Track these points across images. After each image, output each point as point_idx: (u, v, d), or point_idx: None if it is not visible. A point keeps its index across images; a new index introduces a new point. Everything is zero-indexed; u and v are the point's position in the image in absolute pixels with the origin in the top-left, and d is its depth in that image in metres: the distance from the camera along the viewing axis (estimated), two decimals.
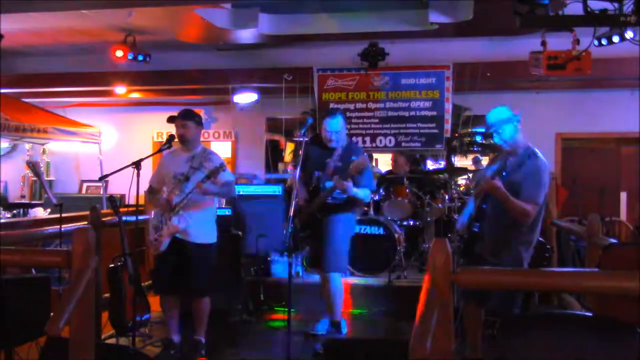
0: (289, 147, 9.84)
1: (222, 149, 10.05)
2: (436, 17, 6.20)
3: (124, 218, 4.45)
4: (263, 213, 5.94)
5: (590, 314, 3.22)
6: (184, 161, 4.24)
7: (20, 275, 4.06)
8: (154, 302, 4.72)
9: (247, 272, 5.90)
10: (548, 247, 5.32)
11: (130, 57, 7.30)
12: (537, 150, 3.72)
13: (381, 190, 6.67)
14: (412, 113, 7.68)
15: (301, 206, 4.57)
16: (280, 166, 9.70)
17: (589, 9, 3.82)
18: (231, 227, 5.49)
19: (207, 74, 8.43)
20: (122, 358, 2.75)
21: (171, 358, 4.22)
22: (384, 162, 8.89)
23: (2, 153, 9.96)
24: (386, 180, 6.95)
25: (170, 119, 4.31)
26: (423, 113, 7.66)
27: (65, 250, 2.46)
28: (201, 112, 9.97)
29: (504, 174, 3.58)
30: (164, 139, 5.17)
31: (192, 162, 4.20)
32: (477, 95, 8.13)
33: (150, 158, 5.09)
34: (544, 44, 5.02)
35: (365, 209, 6.57)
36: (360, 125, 7.77)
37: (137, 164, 4.02)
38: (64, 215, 4.69)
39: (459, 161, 9.12)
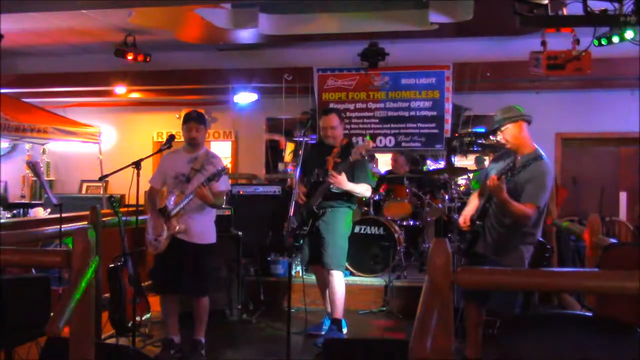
0: (289, 147, 9.84)
1: (222, 149, 10.06)
2: (436, 17, 6.19)
3: (123, 218, 4.46)
4: (263, 213, 5.94)
5: (590, 314, 3.22)
6: (186, 162, 4.25)
7: (20, 275, 4.06)
8: (154, 302, 4.72)
9: (247, 272, 5.90)
10: (548, 247, 5.32)
11: (130, 58, 7.31)
12: (542, 152, 3.72)
13: (381, 190, 6.67)
14: (412, 113, 7.68)
15: (300, 204, 4.59)
16: (280, 166, 9.70)
17: (589, 9, 3.82)
18: (231, 227, 5.49)
19: (207, 74, 8.43)
20: (122, 358, 2.75)
21: (171, 358, 4.22)
22: (384, 162, 8.89)
23: (2, 153, 9.96)
24: (386, 180, 6.95)
25: (186, 119, 4.30)
26: (423, 113, 7.66)
27: (65, 250, 2.46)
28: (202, 112, 10.03)
29: (509, 176, 3.57)
30: (164, 139, 5.18)
31: (194, 164, 4.21)
32: (477, 95, 8.12)
33: (150, 158, 5.09)
34: (544, 44, 5.03)
35: (365, 208, 6.57)
36: (360, 125, 7.77)
37: (137, 164, 4.02)
38: (64, 215, 4.69)
39: (459, 161, 9.12)
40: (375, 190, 6.72)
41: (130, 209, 4.37)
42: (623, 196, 8.91)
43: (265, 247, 6.00)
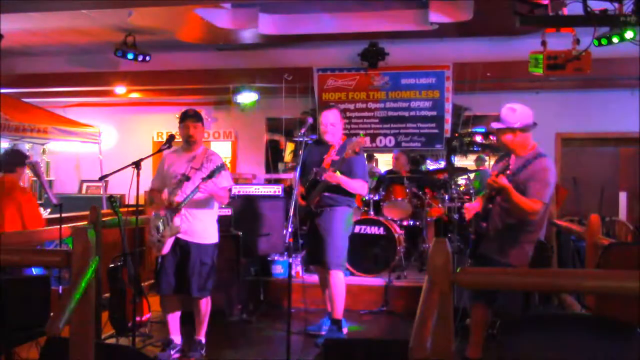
0: (289, 147, 9.85)
1: (222, 149, 10.06)
2: (436, 17, 6.20)
3: (123, 218, 4.45)
4: (263, 213, 5.94)
5: (590, 314, 3.22)
6: (185, 161, 4.24)
7: (20, 275, 4.06)
8: (154, 302, 4.72)
9: (247, 272, 5.90)
10: (548, 247, 5.32)
11: (130, 57, 7.31)
12: (543, 152, 3.73)
13: (381, 190, 6.66)
14: (412, 113, 7.68)
15: (300, 203, 4.58)
16: (280, 166, 9.71)
17: (589, 9, 3.82)
18: (231, 227, 5.49)
19: (207, 74, 8.43)
20: (122, 358, 2.75)
21: (171, 358, 4.22)
22: (384, 162, 8.89)
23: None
24: (386, 180, 6.95)
25: (183, 117, 4.29)
26: (423, 113, 7.66)
27: (65, 250, 2.46)
28: (201, 112, 10.03)
29: (508, 172, 3.59)
30: (164, 139, 5.18)
31: (193, 163, 4.20)
32: (477, 95, 8.13)
33: (150, 158, 5.09)
34: (544, 44, 5.02)
35: (365, 209, 6.57)
36: (360, 125, 7.77)
37: (137, 164, 4.02)
38: (64, 215, 4.69)
39: (459, 161, 9.12)
40: (375, 190, 6.73)
41: (130, 209, 4.37)
42: (623, 196, 8.91)
43: (265, 247, 6.00)
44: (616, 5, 3.78)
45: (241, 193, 6.29)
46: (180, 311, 4.38)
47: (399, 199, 6.53)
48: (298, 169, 4.43)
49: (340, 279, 4.68)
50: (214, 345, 4.47)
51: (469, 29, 6.61)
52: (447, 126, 7.62)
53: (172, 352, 4.25)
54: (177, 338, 4.33)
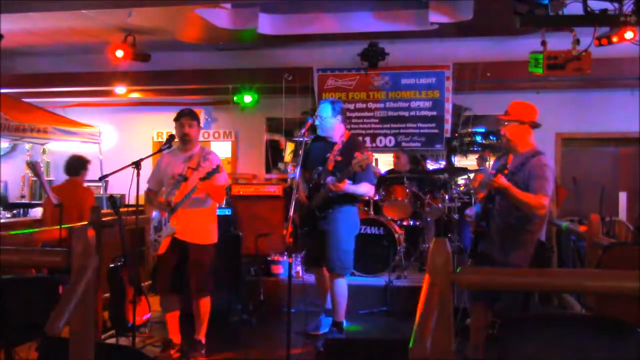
0: (289, 147, 9.84)
1: (222, 149, 10.05)
2: (436, 17, 6.21)
3: (123, 218, 4.45)
4: (263, 213, 5.94)
5: (590, 314, 3.22)
6: (182, 161, 4.23)
7: (20, 275, 4.06)
8: (154, 302, 4.72)
9: (247, 272, 5.90)
10: (548, 247, 5.32)
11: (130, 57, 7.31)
12: (541, 149, 3.72)
13: (381, 190, 6.66)
14: (412, 113, 7.68)
15: (302, 203, 4.55)
16: (281, 166, 9.70)
17: (589, 9, 3.82)
18: (231, 227, 5.49)
19: (207, 74, 8.43)
20: (122, 358, 2.74)
21: (171, 358, 4.22)
22: (384, 162, 8.89)
23: (2, 153, 9.95)
24: (386, 180, 6.95)
25: (178, 116, 4.28)
26: (423, 113, 7.66)
27: (65, 250, 2.46)
28: (201, 112, 10.04)
29: (508, 170, 3.58)
30: (164, 139, 5.18)
31: (190, 162, 4.19)
32: (477, 95, 8.12)
33: (150, 158, 5.09)
34: (544, 44, 5.02)
35: (365, 209, 6.57)
36: (360, 125, 7.77)
37: (137, 164, 4.02)
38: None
39: (459, 161, 9.12)
40: (375, 190, 6.73)
41: (130, 209, 4.37)
42: (623, 196, 8.91)
43: (265, 247, 6.00)
44: (616, 5, 3.78)
45: (241, 193, 6.29)
46: (180, 311, 4.38)
47: (399, 199, 6.53)
48: (298, 169, 4.41)
49: (344, 283, 4.66)
50: (214, 345, 4.47)
51: (469, 29, 6.62)
52: (447, 126, 7.63)
53: (172, 352, 4.25)
54: (177, 338, 4.33)
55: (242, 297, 5.46)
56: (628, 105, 8.29)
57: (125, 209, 4.46)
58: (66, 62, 8.60)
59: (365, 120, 7.78)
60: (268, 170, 9.60)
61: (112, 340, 4.49)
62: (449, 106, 7.59)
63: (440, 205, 6.64)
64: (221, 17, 6.48)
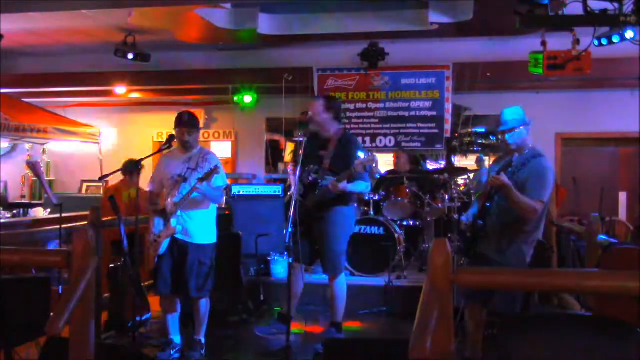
0: (289, 147, 9.84)
1: (222, 149, 10.05)
2: (436, 17, 6.21)
3: (123, 218, 4.45)
4: (263, 213, 5.94)
5: (590, 314, 3.22)
6: (181, 162, 4.25)
7: (20, 275, 4.06)
8: (154, 302, 4.72)
9: (247, 272, 5.90)
10: (548, 247, 5.32)
11: (130, 57, 7.32)
12: (541, 151, 3.72)
13: (381, 190, 6.66)
14: (412, 113, 7.68)
15: (298, 201, 4.48)
16: (281, 166, 9.70)
17: (589, 9, 3.82)
18: (231, 227, 5.49)
19: (207, 74, 8.44)
20: (122, 358, 2.75)
21: (171, 358, 4.22)
22: (384, 162, 8.89)
23: (2, 153, 9.96)
24: (386, 180, 6.95)
25: (178, 123, 4.27)
26: (423, 113, 7.66)
27: (65, 250, 2.46)
28: (201, 112, 10.04)
29: (509, 170, 3.58)
30: (164, 139, 5.21)
31: (189, 164, 4.21)
32: (477, 95, 8.13)
33: (150, 158, 5.10)
34: (544, 44, 5.03)
35: (365, 209, 6.57)
36: (360, 125, 7.78)
37: (137, 164, 4.02)
38: (64, 215, 4.69)
39: (459, 161, 9.11)
40: (375, 190, 6.72)
41: None
42: (623, 196, 8.91)
43: (265, 247, 6.00)
44: (616, 5, 3.78)
45: (241, 193, 6.29)
46: (180, 311, 4.38)
47: (399, 199, 6.53)
48: (298, 169, 4.38)
49: (343, 284, 4.59)
50: (214, 345, 4.47)
51: (469, 29, 6.62)
52: (447, 126, 7.63)
53: (172, 352, 4.25)
54: (177, 338, 4.33)
55: (242, 297, 5.45)
56: (628, 105, 8.30)
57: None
58: (66, 62, 8.61)
59: (365, 120, 7.78)
60: (268, 171, 9.61)
61: (112, 340, 4.49)
62: (449, 106, 7.59)
63: (440, 205, 6.64)
64: (221, 17, 6.48)
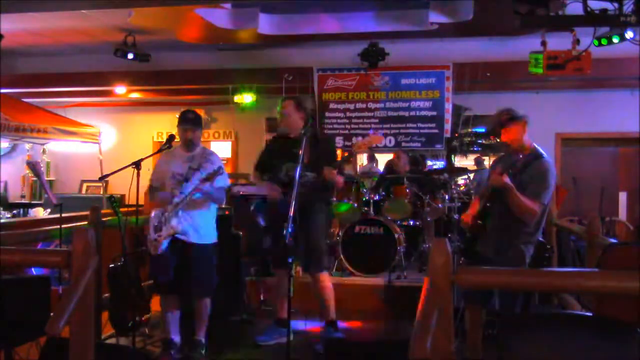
0: None
1: (222, 149, 10.06)
2: (436, 17, 6.20)
3: (123, 218, 4.45)
4: (263, 213, 5.93)
5: (590, 314, 3.22)
6: (183, 161, 4.23)
7: (21, 275, 4.06)
8: (154, 302, 4.72)
9: (247, 272, 5.90)
10: (548, 247, 5.31)
11: (130, 57, 7.32)
12: (543, 151, 3.71)
13: (381, 190, 6.67)
14: (412, 113, 7.68)
15: (272, 201, 4.46)
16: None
17: (589, 9, 3.82)
18: (231, 227, 5.49)
19: (207, 74, 8.44)
20: (122, 358, 2.75)
21: (171, 358, 4.22)
22: (384, 162, 8.89)
23: (2, 153, 9.96)
24: (386, 180, 6.95)
25: (182, 121, 4.27)
26: (423, 113, 7.66)
27: (65, 250, 2.46)
28: (201, 112, 10.02)
29: (510, 172, 3.57)
30: (164, 139, 5.19)
31: (192, 163, 4.19)
32: (477, 95, 8.13)
33: (150, 158, 5.09)
34: (544, 44, 5.03)
35: (365, 209, 6.57)
36: (360, 125, 7.77)
37: (137, 164, 4.02)
38: (64, 215, 4.69)
39: (459, 161, 9.12)
40: (375, 190, 6.73)
41: (130, 209, 4.37)
42: (623, 196, 8.92)
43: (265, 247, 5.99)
44: (616, 5, 3.78)
45: (242, 193, 6.29)
46: (180, 311, 4.38)
47: (399, 199, 6.53)
48: (298, 168, 4.36)
49: (328, 280, 4.58)
50: (214, 345, 4.47)
51: (469, 29, 6.62)
52: (447, 126, 7.63)
53: (172, 352, 4.25)
54: (177, 338, 4.33)
55: (242, 297, 5.45)
56: (628, 105, 8.30)
57: (125, 209, 4.46)
58: (66, 62, 8.61)
59: (365, 120, 7.78)
60: None
61: (112, 340, 4.49)
62: (449, 106, 7.59)
63: (440, 205, 6.64)
64: (221, 17, 6.48)
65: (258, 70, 8.30)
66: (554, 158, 8.69)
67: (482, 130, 8.79)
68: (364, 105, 7.79)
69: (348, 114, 7.71)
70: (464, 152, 9.27)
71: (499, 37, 7.48)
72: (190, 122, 4.25)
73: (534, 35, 5.73)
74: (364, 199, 6.53)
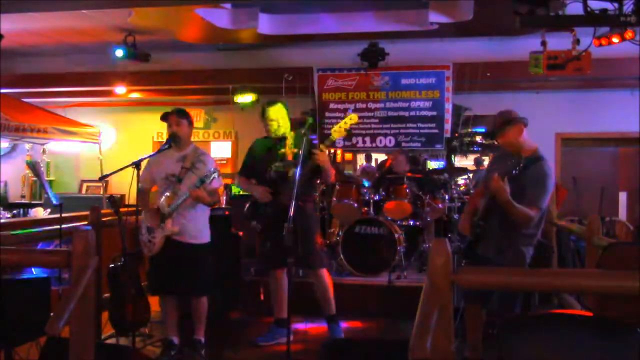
0: None
1: (222, 149, 10.06)
2: (436, 17, 6.20)
3: (123, 218, 4.44)
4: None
5: (590, 314, 3.22)
6: (175, 161, 4.18)
7: (20, 276, 4.06)
8: (154, 302, 4.72)
9: (247, 272, 5.90)
10: (548, 247, 5.32)
11: (130, 57, 7.31)
12: (543, 155, 3.69)
13: (381, 190, 6.66)
14: (412, 113, 7.68)
15: (260, 202, 4.48)
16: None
17: (589, 9, 3.82)
18: (231, 227, 5.48)
19: (207, 74, 8.44)
20: (122, 358, 2.75)
21: (171, 358, 4.22)
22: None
23: (2, 153, 9.96)
24: (386, 180, 6.95)
25: (164, 116, 4.27)
26: (423, 113, 7.65)
27: (65, 250, 2.46)
28: (201, 112, 10.03)
29: (513, 172, 3.55)
30: (164, 139, 5.18)
31: (184, 162, 4.15)
32: (477, 95, 8.13)
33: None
34: (544, 44, 5.03)
35: (365, 209, 6.57)
36: (360, 125, 7.76)
37: (137, 164, 4.01)
38: (64, 215, 4.69)
39: (459, 161, 9.12)
40: (375, 190, 6.72)
41: (130, 209, 4.37)
42: (623, 196, 8.92)
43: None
44: (616, 5, 3.78)
45: (241, 193, 6.29)
46: (180, 311, 4.37)
47: (399, 199, 6.53)
48: (298, 168, 4.36)
49: (329, 276, 4.64)
50: (214, 345, 4.47)
51: (469, 29, 6.62)
52: (447, 126, 7.62)
53: (172, 352, 4.25)
54: (176, 338, 4.32)
55: (242, 297, 5.45)
56: (628, 105, 8.31)
57: (125, 209, 4.46)
58: (66, 62, 8.61)
59: (365, 121, 7.77)
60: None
61: (112, 340, 4.49)
62: (449, 106, 7.58)
63: (440, 205, 6.64)
64: (221, 17, 6.47)
65: (258, 70, 8.30)
66: (554, 158, 8.70)
67: (482, 130, 8.79)
68: (364, 105, 7.78)
69: (348, 114, 7.69)
70: (464, 152, 9.27)
71: (499, 37, 7.48)
72: (172, 113, 4.22)
73: (534, 35, 5.73)
74: (364, 199, 6.53)
